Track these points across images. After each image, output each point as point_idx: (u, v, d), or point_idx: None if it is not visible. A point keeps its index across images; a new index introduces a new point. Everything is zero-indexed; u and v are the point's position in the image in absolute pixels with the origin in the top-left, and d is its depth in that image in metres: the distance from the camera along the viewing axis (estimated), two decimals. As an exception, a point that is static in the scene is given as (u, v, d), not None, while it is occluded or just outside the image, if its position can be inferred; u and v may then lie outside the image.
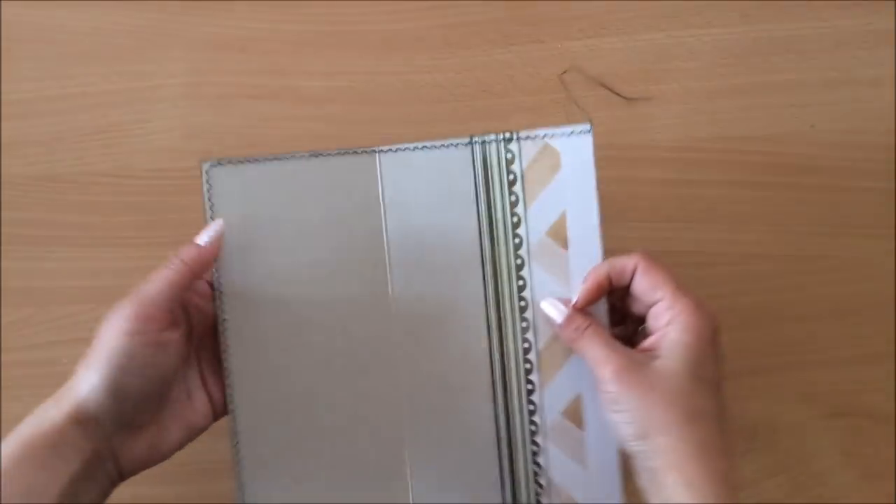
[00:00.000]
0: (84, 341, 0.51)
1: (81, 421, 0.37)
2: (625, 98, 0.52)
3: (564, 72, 0.51)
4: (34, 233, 0.51)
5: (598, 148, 0.52)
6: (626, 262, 0.40)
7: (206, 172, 0.42)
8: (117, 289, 0.51)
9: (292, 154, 0.43)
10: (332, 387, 0.43)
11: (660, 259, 0.40)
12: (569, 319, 0.41)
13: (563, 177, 0.43)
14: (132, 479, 0.48)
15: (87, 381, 0.38)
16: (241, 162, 0.42)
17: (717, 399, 0.37)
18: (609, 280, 0.41)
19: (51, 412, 0.37)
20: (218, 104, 0.52)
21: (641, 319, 0.41)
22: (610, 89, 0.52)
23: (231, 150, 0.51)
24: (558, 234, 0.43)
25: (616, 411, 0.38)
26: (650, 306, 0.39)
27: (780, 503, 0.50)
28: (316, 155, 0.43)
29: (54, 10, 0.52)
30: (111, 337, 0.38)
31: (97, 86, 0.52)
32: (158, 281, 0.40)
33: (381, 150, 0.43)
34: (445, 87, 0.52)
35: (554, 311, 0.42)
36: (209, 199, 0.43)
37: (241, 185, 0.42)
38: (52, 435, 0.36)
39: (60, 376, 0.51)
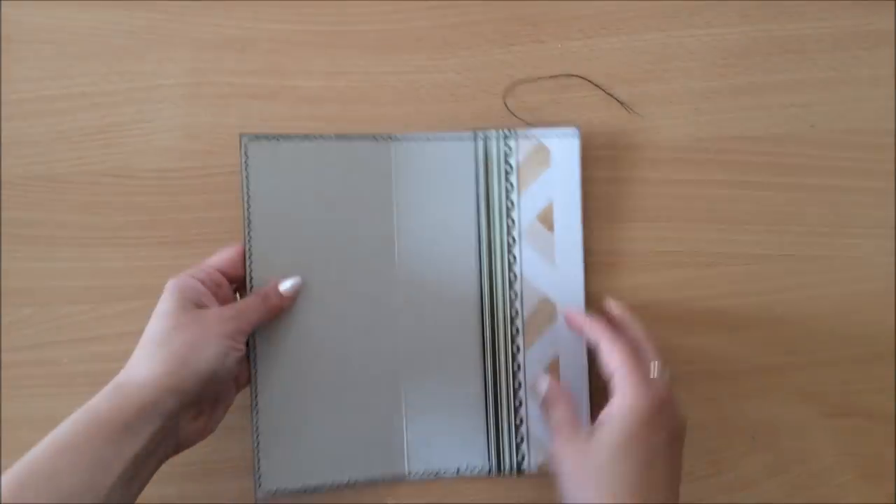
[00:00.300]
0: (84, 341, 0.51)
1: (156, 404, 0.39)
2: (625, 108, 0.52)
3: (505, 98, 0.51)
4: (34, 233, 0.51)
5: (598, 148, 0.52)
6: (594, 333, 0.45)
7: (245, 145, 0.48)
8: (117, 289, 0.51)
9: (319, 135, 0.49)
10: (340, 340, 0.49)
11: (630, 327, 0.46)
12: (548, 393, 0.47)
13: (552, 171, 0.50)
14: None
15: (172, 369, 0.40)
16: (275, 138, 0.48)
17: (645, 473, 0.40)
18: (581, 329, 0.47)
19: (129, 389, 0.39)
20: (218, 104, 0.52)
21: None
22: (609, 94, 0.52)
23: (231, 150, 0.51)
24: (546, 218, 0.50)
25: (558, 483, 0.43)
26: (608, 380, 0.44)
27: (780, 503, 0.50)
28: (340, 137, 0.49)
29: (54, 10, 0.52)
30: (209, 337, 0.42)
31: (97, 86, 0.52)
32: (255, 310, 0.45)
33: (397, 138, 0.50)
34: (445, 87, 0.52)
35: (540, 384, 0.48)
36: (245, 169, 0.48)
37: (274, 158, 0.48)
38: (126, 413, 0.38)
39: (60, 376, 0.51)
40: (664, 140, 0.52)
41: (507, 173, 0.50)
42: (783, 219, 0.52)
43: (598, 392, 0.50)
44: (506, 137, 0.50)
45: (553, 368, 0.50)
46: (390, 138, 0.49)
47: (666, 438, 0.41)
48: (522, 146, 0.50)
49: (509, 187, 0.50)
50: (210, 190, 0.51)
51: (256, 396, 0.48)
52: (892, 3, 0.53)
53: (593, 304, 0.51)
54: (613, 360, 0.43)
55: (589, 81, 0.52)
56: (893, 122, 0.52)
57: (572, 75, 0.52)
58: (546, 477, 0.48)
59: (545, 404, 0.47)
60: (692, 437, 0.50)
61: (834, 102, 0.52)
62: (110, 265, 0.51)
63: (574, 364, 0.50)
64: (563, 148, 0.50)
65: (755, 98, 0.52)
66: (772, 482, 0.51)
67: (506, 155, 0.50)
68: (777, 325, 0.51)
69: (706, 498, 0.50)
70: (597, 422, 0.42)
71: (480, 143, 0.50)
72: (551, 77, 0.52)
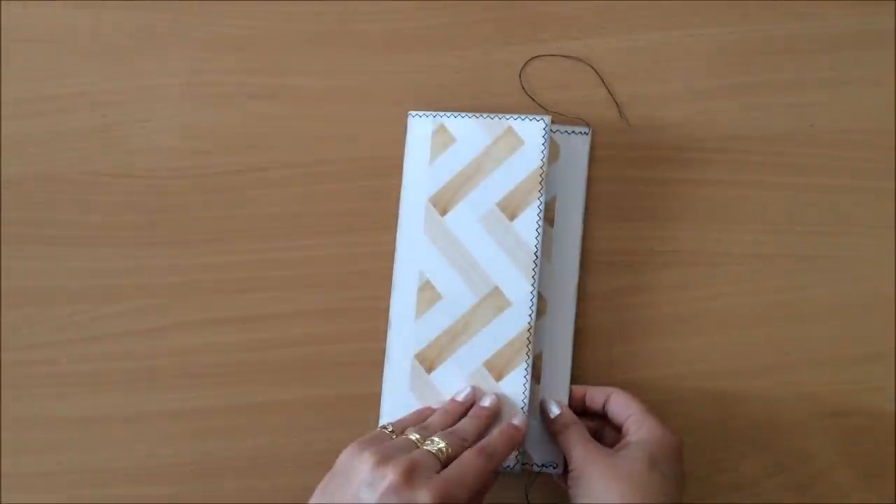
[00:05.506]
0: (84, 341, 0.51)
1: None
2: (619, 111, 0.52)
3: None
4: (34, 233, 0.51)
5: (598, 147, 0.52)
6: (599, 393, 0.47)
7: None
8: (117, 289, 0.51)
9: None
10: None
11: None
12: (560, 416, 0.47)
13: (559, 167, 0.50)
14: (123, 478, 0.48)
15: None
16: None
17: (673, 494, 0.42)
18: (584, 399, 0.48)
19: None
20: (218, 104, 0.52)
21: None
22: (609, 93, 0.52)
23: (231, 150, 0.51)
24: (547, 213, 0.50)
25: (577, 490, 0.43)
26: (622, 423, 0.45)
27: (780, 503, 0.50)
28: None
29: (54, 10, 0.52)
30: None
31: (97, 86, 0.52)
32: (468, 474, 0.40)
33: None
34: (445, 87, 0.52)
35: (551, 407, 0.47)
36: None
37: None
38: None
39: (60, 376, 0.51)
40: (664, 140, 0.52)
41: None
42: (783, 219, 0.52)
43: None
44: None
45: (536, 365, 0.49)
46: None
47: (681, 476, 0.43)
48: None
49: None
50: (210, 190, 0.51)
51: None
52: (893, 3, 0.53)
53: (588, 304, 0.51)
54: (631, 404, 0.45)
55: (595, 71, 0.52)
56: (893, 122, 0.52)
57: (579, 59, 0.52)
58: (522, 475, 0.49)
59: (557, 428, 0.47)
60: (692, 437, 0.50)
61: (834, 102, 0.52)
62: (110, 265, 0.51)
63: (558, 359, 0.50)
64: (573, 145, 0.51)
65: (755, 98, 0.52)
66: (772, 482, 0.51)
67: None
68: (777, 325, 0.51)
69: (706, 498, 0.50)
70: (620, 446, 0.44)
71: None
72: (564, 56, 0.52)
